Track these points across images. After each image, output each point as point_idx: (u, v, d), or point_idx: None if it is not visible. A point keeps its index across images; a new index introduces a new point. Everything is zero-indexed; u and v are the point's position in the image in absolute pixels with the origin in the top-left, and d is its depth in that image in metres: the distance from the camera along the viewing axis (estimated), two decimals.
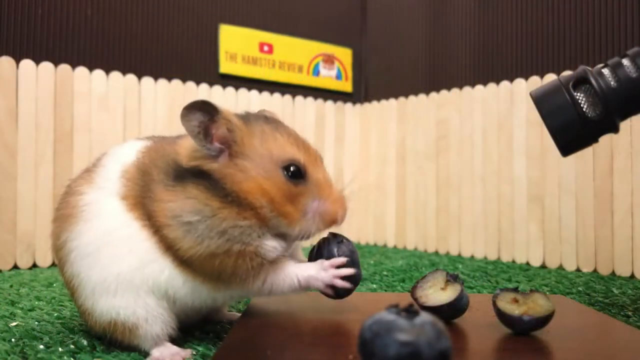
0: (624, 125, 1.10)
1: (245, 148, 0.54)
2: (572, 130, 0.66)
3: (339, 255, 0.57)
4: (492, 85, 1.40)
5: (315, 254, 0.59)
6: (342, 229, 0.59)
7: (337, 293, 0.57)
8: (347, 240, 0.59)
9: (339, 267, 0.56)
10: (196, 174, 0.54)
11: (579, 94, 0.65)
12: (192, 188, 0.53)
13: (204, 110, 0.53)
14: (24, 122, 1.19)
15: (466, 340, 0.52)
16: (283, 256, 0.57)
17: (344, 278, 0.56)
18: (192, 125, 0.53)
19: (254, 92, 1.57)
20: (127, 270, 0.55)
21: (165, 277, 0.55)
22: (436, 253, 1.50)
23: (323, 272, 0.56)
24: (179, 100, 1.42)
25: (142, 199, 0.55)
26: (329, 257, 0.57)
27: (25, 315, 0.73)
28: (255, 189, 0.53)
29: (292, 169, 0.54)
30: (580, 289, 0.96)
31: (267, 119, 0.58)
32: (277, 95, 1.62)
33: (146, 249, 0.54)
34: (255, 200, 0.53)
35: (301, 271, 0.56)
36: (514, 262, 1.32)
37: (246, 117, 0.57)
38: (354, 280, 0.57)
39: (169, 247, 0.54)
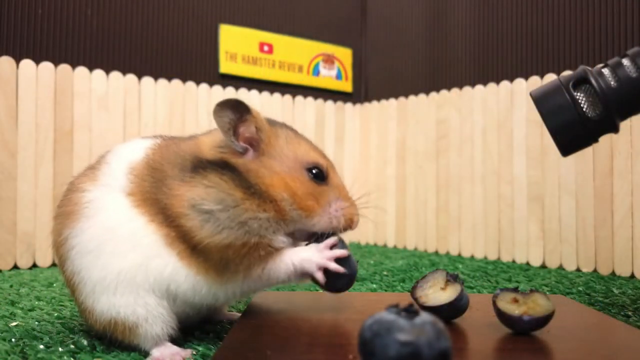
0: (624, 125, 1.10)
1: (271, 148, 0.57)
2: (572, 130, 0.66)
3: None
4: (492, 85, 1.40)
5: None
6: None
7: (332, 285, 0.57)
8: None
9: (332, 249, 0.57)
10: (219, 165, 0.55)
11: (579, 94, 0.65)
12: (214, 177, 0.55)
13: (235, 109, 0.55)
14: (24, 122, 1.19)
15: (466, 340, 0.52)
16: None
17: (337, 263, 0.56)
18: (223, 121, 0.55)
19: (254, 92, 1.57)
20: (128, 268, 0.55)
21: (168, 271, 0.55)
22: (436, 253, 1.50)
23: (317, 253, 0.56)
24: (178, 100, 1.42)
25: (152, 195, 0.56)
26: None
27: (25, 315, 0.73)
28: (278, 183, 0.55)
29: (314, 170, 0.57)
30: (580, 289, 0.96)
31: (287, 126, 0.61)
32: (277, 95, 1.62)
33: (150, 243, 0.55)
34: (277, 193, 0.55)
35: (296, 255, 0.57)
36: (514, 262, 1.32)
37: (272, 121, 0.60)
38: (347, 265, 0.56)
39: (178, 239, 0.54)
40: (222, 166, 0.55)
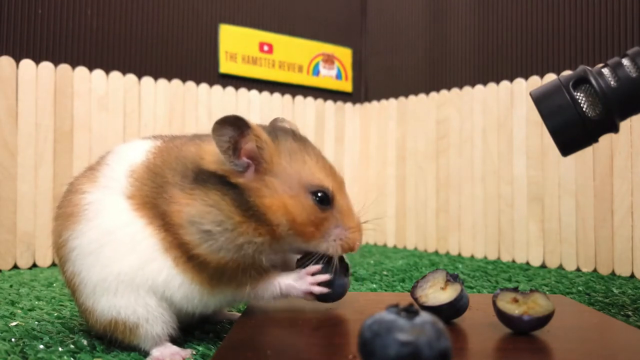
0: (624, 125, 1.10)
1: (273, 166, 0.54)
2: (572, 130, 0.66)
3: (320, 264, 0.58)
4: (492, 85, 1.40)
5: (299, 261, 0.60)
6: None
7: (322, 298, 0.58)
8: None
9: (315, 274, 0.57)
10: (220, 181, 0.54)
11: (579, 94, 0.65)
12: (215, 195, 0.54)
13: (235, 125, 0.53)
14: (24, 122, 1.19)
15: (466, 340, 0.52)
16: (274, 265, 0.58)
17: (321, 284, 0.57)
18: (222, 140, 0.53)
19: (254, 92, 1.57)
20: (128, 269, 0.55)
21: (163, 278, 0.55)
22: (436, 253, 1.50)
23: (300, 280, 0.57)
24: (179, 100, 1.42)
25: (151, 200, 0.55)
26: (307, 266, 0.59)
27: (25, 315, 0.73)
28: (277, 206, 0.54)
29: (319, 194, 0.55)
30: (580, 288, 0.96)
31: (294, 136, 0.58)
32: (277, 95, 1.62)
33: (147, 247, 0.55)
34: (275, 217, 0.54)
35: (283, 280, 0.58)
36: (514, 262, 1.32)
37: (274, 134, 0.57)
38: (333, 286, 0.58)
39: (174, 246, 0.54)
40: (223, 182, 0.54)
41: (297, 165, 0.55)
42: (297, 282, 0.57)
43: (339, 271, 0.59)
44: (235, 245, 0.53)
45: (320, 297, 0.58)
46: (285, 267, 0.61)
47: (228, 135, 0.53)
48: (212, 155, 0.55)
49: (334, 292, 0.58)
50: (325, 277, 0.57)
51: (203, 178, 0.55)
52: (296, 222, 0.54)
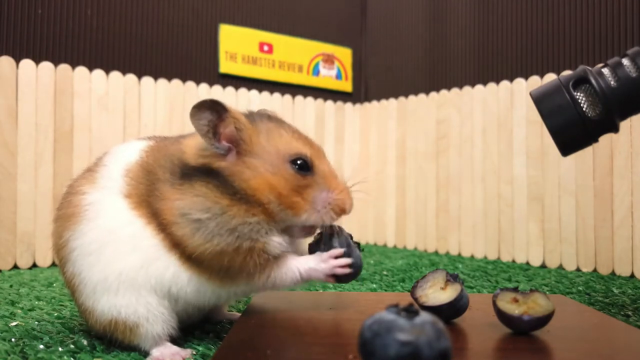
0: (624, 125, 1.10)
1: (253, 146, 0.55)
2: (572, 129, 0.66)
3: (338, 246, 0.58)
4: (492, 85, 1.40)
5: (314, 246, 0.60)
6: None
7: (339, 280, 0.59)
8: (343, 230, 0.60)
9: (337, 257, 0.58)
10: (204, 172, 0.55)
11: (578, 94, 0.65)
12: (200, 186, 0.54)
13: (212, 109, 0.54)
14: (24, 122, 1.19)
15: (466, 340, 0.52)
16: (286, 251, 0.58)
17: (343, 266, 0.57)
18: (201, 124, 0.54)
19: (254, 92, 1.57)
20: (129, 269, 0.55)
21: (170, 275, 0.55)
22: (436, 253, 1.50)
23: (323, 263, 0.57)
24: (179, 100, 1.42)
25: (146, 198, 0.56)
26: (327, 249, 0.59)
27: (25, 315, 0.73)
28: (263, 185, 0.54)
29: (299, 162, 0.56)
30: (580, 288, 0.96)
31: (270, 117, 0.59)
32: (277, 95, 1.62)
33: (150, 246, 0.55)
34: (264, 196, 0.54)
35: (302, 264, 0.58)
36: (514, 261, 1.32)
37: (251, 116, 0.58)
38: (353, 266, 0.58)
39: (175, 245, 0.54)
40: (206, 173, 0.55)
41: (275, 141, 0.56)
42: (319, 266, 0.57)
43: (352, 246, 0.59)
44: (228, 229, 0.53)
45: (337, 279, 0.58)
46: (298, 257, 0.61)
47: (207, 119, 0.54)
48: (193, 148, 0.57)
49: (354, 271, 0.58)
50: (348, 260, 0.57)
51: (188, 173, 0.55)
52: (282, 195, 0.55)
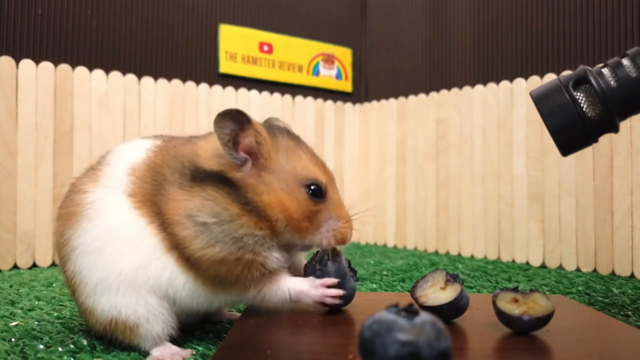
0: (624, 125, 1.10)
1: (271, 162, 0.56)
2: (572, 129, 0.66)
3: (334, 273, 0.59)
4: (492, 85, 1.40)
5: (310, 268, 0.60)
6: None
7: (327, 306, 0.59)
8: (341, 256, 0.61)
9: (330, 286, 0.58)
10: (217, 178, 0.55)
11: (578, 94, 0.65)
12: (212, 190, 0.54)
13: (236, 120, 0.54)
14: (24, 122, 1.19)
15: (466, 340, 0.52)
16: (282, 268, 0.58)
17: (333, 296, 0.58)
18: (223, 132, 0.54)
19: (254, 92, 1.57)
20: (129, 268, 0.55)
21: (166, 276, 0.55)
22: (436, 253, 1.50)
23: (314, 290, 0.58)
24: (178, 100, 1.42)
25: (151, 197, 0.56)
26: (322, 275, 0.59)
27: (25, 315, 0.73)
28: (275, 203, 0.55)
29: (313, 187, 0.56)
30: (580, 288, 0.96)
31: (290, 134, 0.60)
32: (277, 95, 1.62)
33: (150, 246, 0.55)
34: (274, 213, 0.55)
35: (294, 285, 0.58)
36: (513, 261, 1.32)
37: (272, 131, 0.58)
38: (344, 297, 0.59)
39: (175, 246, 0.54)
40: (220, 179, 0.55)
41: (293, 161, 0.57)
42: (309, 291, 0.58)
43: (348, 276, 0.59)
44: (233, 237, 0.53)
45: (330, 305, 0.59)
46: (293, 271, 0.61)
47: (229, 128, 0.54)
48: (208, 152, 0.57)
49: (344, 299, 0.59)
50: (339, 292, 0.58)
51: (200, 176, 0.55)
52: (292, 218, 0.55)
